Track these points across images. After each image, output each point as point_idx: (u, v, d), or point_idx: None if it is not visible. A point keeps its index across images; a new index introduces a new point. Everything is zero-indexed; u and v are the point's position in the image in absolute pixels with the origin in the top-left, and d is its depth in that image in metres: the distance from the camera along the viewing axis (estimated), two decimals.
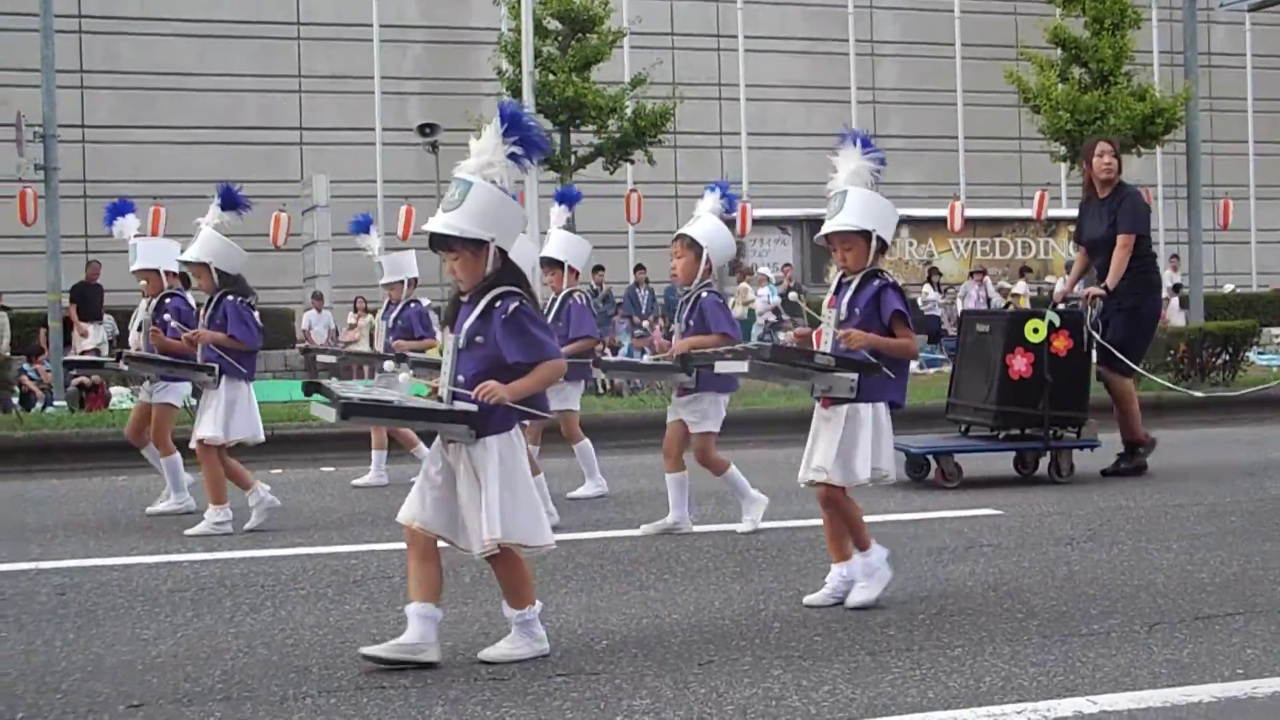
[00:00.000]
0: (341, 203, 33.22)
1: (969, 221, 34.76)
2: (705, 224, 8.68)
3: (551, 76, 27.82)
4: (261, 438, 9.62)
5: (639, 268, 30.30)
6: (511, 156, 5.52)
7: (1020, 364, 10.89)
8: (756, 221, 32.13)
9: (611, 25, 29.36)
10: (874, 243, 6.48)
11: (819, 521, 8.34)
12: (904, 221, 27.21)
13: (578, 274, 10.51)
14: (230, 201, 9.52)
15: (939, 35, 38.77)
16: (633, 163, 30.06)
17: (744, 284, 29.75)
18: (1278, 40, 38.40)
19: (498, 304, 5.45)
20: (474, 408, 5.34)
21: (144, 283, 10.28)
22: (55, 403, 20.75)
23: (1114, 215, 11.27)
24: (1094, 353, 11.16)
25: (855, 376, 6.31)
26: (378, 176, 34.74)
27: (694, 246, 8.59)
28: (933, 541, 8.26)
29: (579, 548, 8.19)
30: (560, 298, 10.27)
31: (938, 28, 38.98)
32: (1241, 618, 6.08)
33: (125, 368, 10.34)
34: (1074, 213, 11.55)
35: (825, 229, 6.51)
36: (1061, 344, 10.92)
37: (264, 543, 8.68)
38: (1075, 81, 30.16)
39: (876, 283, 6.48)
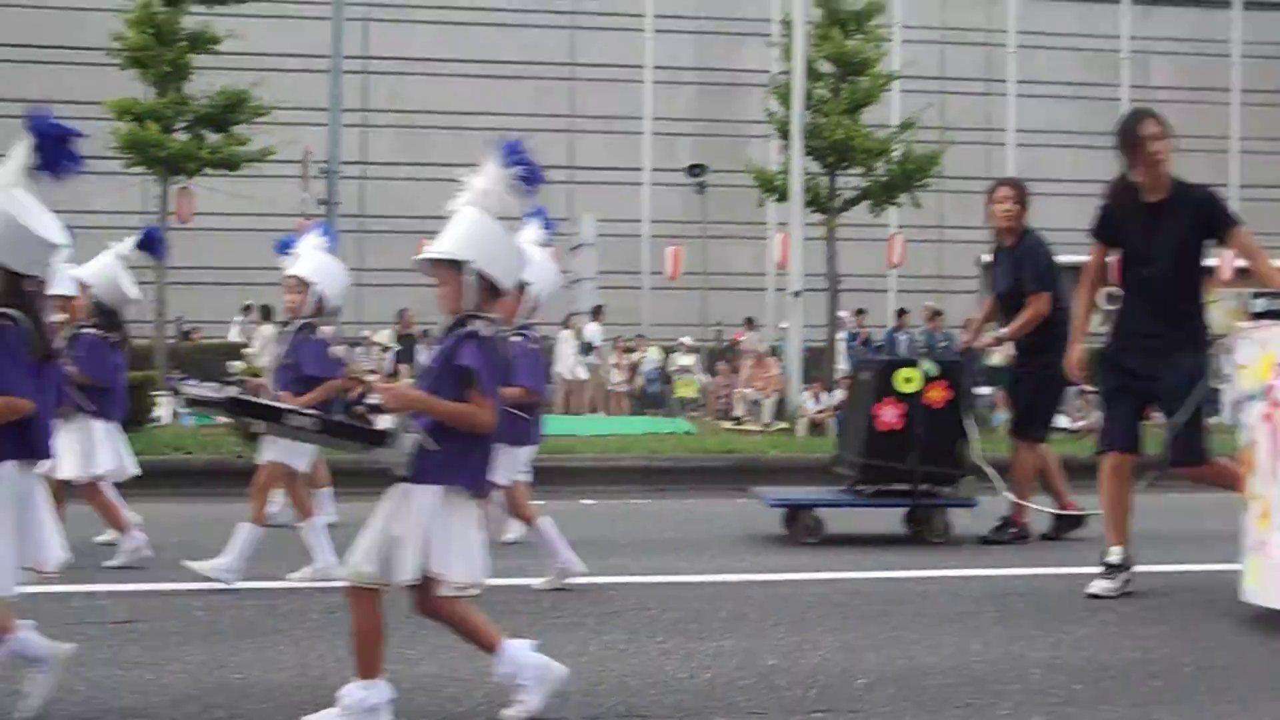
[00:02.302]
0: (608, 241, 33.73)
1: (1239, 272, 33.84)
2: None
3: (822, 119, 27.87)
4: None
5: (902, 312, 30.13)
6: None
7: (889, 415, 10.16)
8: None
9: (883, 69, 29.30)
10: (472, 279, 5.09)
11: (1075, 570, 8.32)
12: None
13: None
14: (147, 243, 9.61)
15: (1215, 80, 37.90)
16: (898, 205, 29.93)
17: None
18: None
19: (460, 332, 5.07)
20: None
21: None
22: None
23: (1019, 268, 10.33)
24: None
25: (408, 448, 4.95)
26: (644, 216, 35.16)
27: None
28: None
29: (834, 586, 8.23)
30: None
31: (1214, 72, 38.11)
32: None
33: None
34: None
35: (420, 255, 5.27)
36: (938, 395, 10.17)
37: (529, 572, 8.83)
38: None
39: (461, 331, 5.08)
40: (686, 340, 30.23)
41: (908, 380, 10.15)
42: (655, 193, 35.61)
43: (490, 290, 5.14)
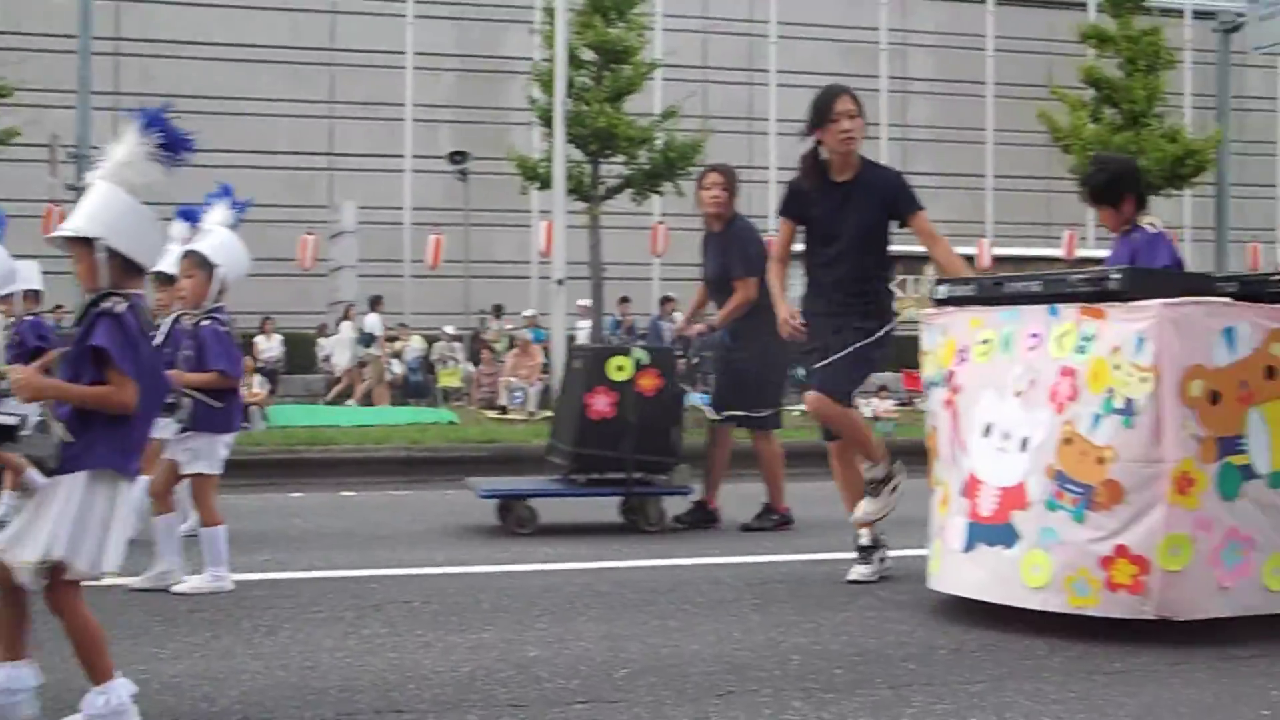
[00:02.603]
0: (370, 228, 33.36)
1: (997, 260, 34.67)
2: (216, 238, 7.78)
3: (584, 107, 27.85)
4: None
5: (666, 299, 30.26)
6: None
7: (601, 403, 10.02)
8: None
9: (645, 57, 29.40)
10: (103, 256, 4.79)
11: (840, 555, 8.38)
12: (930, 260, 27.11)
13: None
14: None
15: (971, 74, 38.81)
16: (661, 194, 30.06)
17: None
18: None
19: (96, 310, 4.81)
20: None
21: None
22: None
23: (727, 254, 10.22)
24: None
25: (56, 438, 4.62)
26: (406, 203, 34.83)
27: (204, 265, 7.73)
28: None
29: (600, 576, 8.17)
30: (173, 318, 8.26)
31: (970, 66, 39.01)
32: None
33: None
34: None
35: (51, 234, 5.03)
36: (649, 383, 10.02)
37: (285, 565, 8.66)
38: (1107, 122, 30.24)
39: (95, 310, 4.77)
40: (449, 329, 29.99)
41: (619, 369, 10.02)
42: (417, 180, 35.27)
43: (127, 267, 4.87)
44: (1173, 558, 6.05)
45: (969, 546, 6.68)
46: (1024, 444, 6.46)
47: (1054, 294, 6.55)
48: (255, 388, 21.71)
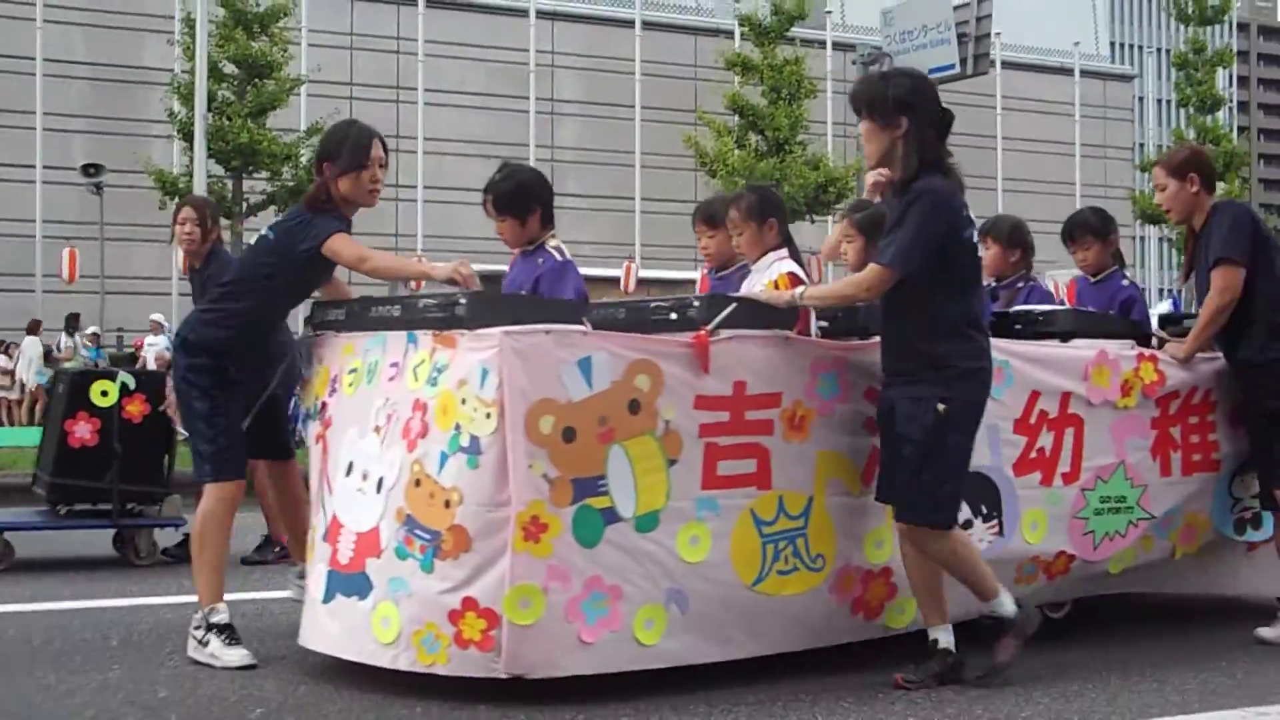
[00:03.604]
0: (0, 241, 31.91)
1: (643, 282, 35.07)
2: None
3: (226, 122, 27.08)
4: None
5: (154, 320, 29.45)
6: None
7: (83, 430, 9.35)
8: None
9: (290, 72, 28.77)
10: None
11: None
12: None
13: None
14: None
15: (620, 97, 39.16)
16: None
17: None
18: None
19: None
20: None
21: None
22: None
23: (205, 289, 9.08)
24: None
25: None
26: (37, 215, 33.39)
27: None
28: None
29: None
30: None
31: (618, 89, 39.36)
32: None
33: None
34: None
35: None
36: (136, 409, 9.41)
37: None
38: (752, 148, 30.82)
39: None
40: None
41: (104, 394, 9.37)
42: (48, 191, 33.82)
43: None
44: (523, 611, 5.30)
45: (328, 597, 5.85)
46: (380, 485, 5.68)
47: (412, 320, 5.85)
48: None
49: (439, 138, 36.68)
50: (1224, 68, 42.86)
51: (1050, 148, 44.01)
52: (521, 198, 6.51)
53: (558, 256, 6.44)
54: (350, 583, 5.70)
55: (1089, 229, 7.81)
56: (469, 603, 5.33)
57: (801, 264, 6.55)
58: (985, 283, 7.54)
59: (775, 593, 5.79)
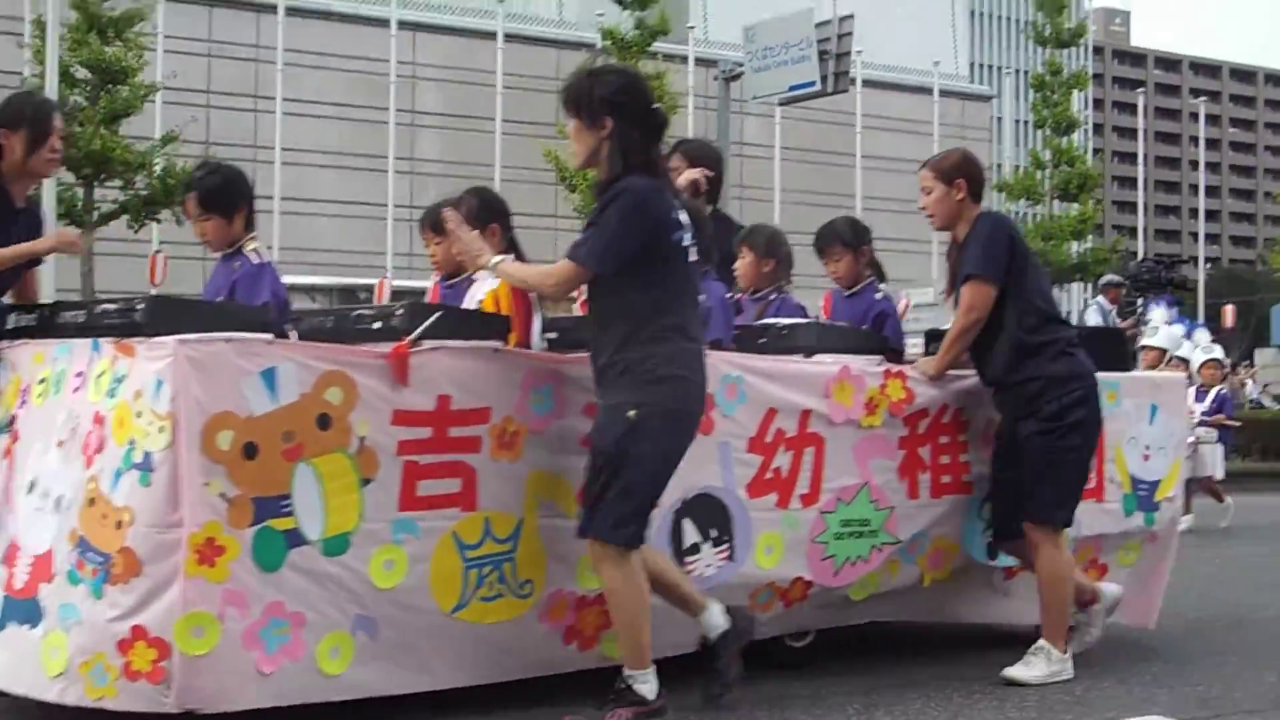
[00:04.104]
0: None
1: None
2: None
3: (78, 128, 26.44)
4: None
5: None
6: None
7: None
8: (289, 289, 31.26)
9: (145, 78, 28.20)
10: None
11: None
12: None
13: None
14: None
15: (481, 109, 38.81)
16: (159, 222, 28.85)
17: None
18: (805, 133, 39.83)
19: None
20: None
21: None
22: None
23: None
24: None
25: None
26: None
27: None
28: None
29: None
30: None
31: (480, 102, 39.01)
32: None
33: None
34: None
35: None
36: None
37: None
38: None
39: None
40: None
41: None
42: None
43: None
44: (195, 640, 4.95)
45: (1, 625, 5.37)
46: (58, 503, 5.27)
47: (94, 326, 5.48)
48: None
49: (297, 148, 36.09)
50: (1079, 90, 43.50)
51: (909, 166, 43.23)
52: (229, 194, 6.26)
53: (254, 259, 6.18)
54: (22, 609, 5.28)
55: (839, 239, 7.53)
56: (138, 631, 4.96)
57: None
58: (734, 295, 7.34)
59: (478, 620, 5.47)
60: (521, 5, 39.72)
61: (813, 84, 31.71)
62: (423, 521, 5.35)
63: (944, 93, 42.01)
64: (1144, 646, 7.42)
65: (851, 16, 32.56)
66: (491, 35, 35.20)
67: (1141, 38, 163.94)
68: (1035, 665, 6.48)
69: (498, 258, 5.72)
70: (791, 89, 32.29)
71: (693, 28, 37.80)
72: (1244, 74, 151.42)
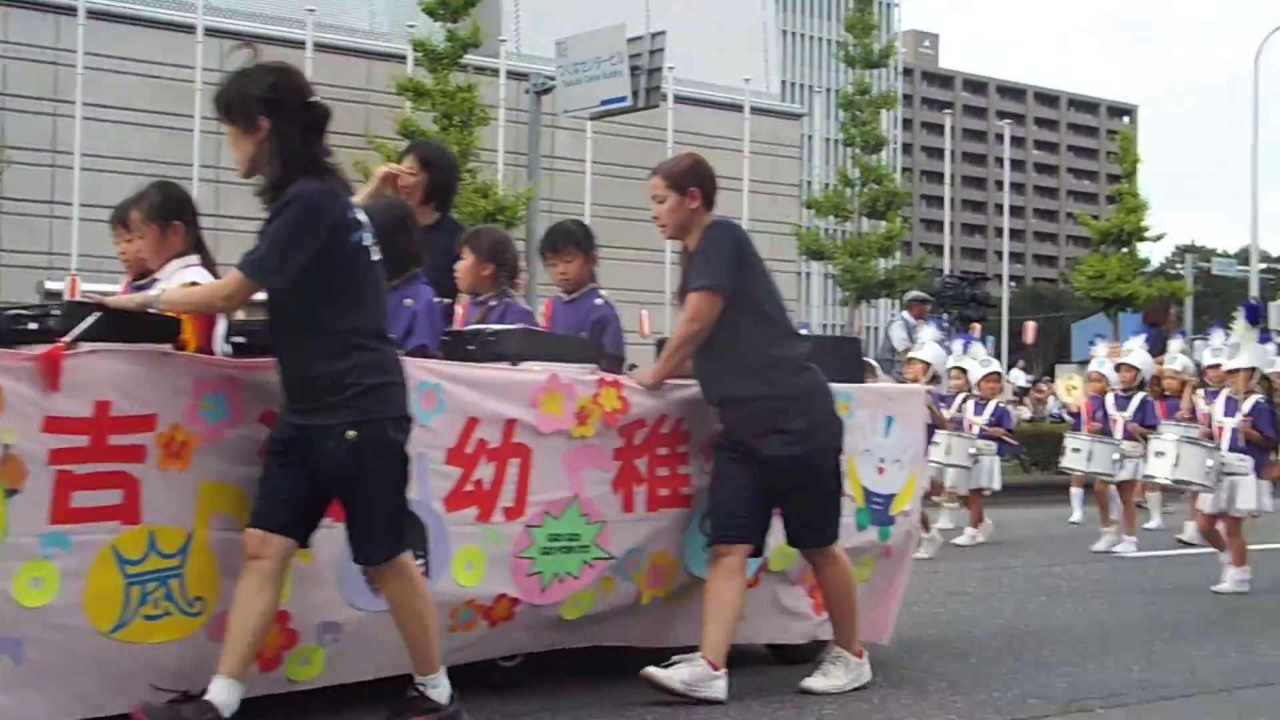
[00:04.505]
0: None
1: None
2: None
3: None
4: None
5: None
6: None
7: None
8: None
9: None
10: None
11: None
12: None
13: None
14: None
15: None
16: None
17: None
18: (616, 148, 39.60)
19: None
20: None
21: None
22: None
23: None
24: None
25: None
26: None
27: None
28: None
29: None
30: None
31: None
32: None
33: None
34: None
35: None
36: None
37: None
38: None
39: None
40: None
41: None
42: None
43: None
44: None
45: None
46: None
47: None
48: None
49: (98, 154, 35.07)
50: (888, 110, 44.09)
51: (720, 183, 43.82)
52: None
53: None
54: None
55: (572, 239, 7.31)
56: None
57: (214, 272, 5.83)
58: (451, 299, 7.08)
59: (141, 640, 5.10)
60: (332, 15, 38.97)
61: (624, 99, 31.69)
62: (77, 535, 4.97)
63: (755, 110, 42.02)
64: (941, 655, 7.63)
65: (663, 33, 32.53)
66: (300, 44, 34.45)
67: (950, 60, 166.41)
68: (834, 674, 6.52)
69: (155, 293, 5.37)
70: (603, 104, 32.24)
71: (504, 41, 37.40)
72: (1048, 98, 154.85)
